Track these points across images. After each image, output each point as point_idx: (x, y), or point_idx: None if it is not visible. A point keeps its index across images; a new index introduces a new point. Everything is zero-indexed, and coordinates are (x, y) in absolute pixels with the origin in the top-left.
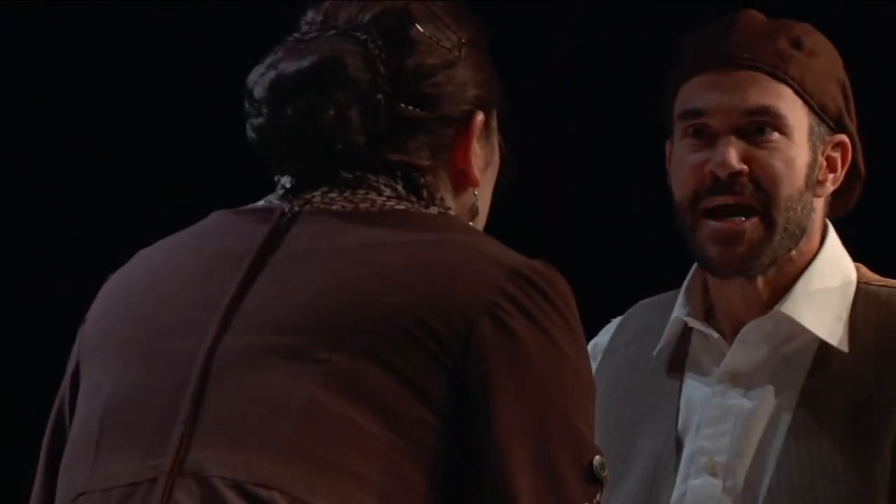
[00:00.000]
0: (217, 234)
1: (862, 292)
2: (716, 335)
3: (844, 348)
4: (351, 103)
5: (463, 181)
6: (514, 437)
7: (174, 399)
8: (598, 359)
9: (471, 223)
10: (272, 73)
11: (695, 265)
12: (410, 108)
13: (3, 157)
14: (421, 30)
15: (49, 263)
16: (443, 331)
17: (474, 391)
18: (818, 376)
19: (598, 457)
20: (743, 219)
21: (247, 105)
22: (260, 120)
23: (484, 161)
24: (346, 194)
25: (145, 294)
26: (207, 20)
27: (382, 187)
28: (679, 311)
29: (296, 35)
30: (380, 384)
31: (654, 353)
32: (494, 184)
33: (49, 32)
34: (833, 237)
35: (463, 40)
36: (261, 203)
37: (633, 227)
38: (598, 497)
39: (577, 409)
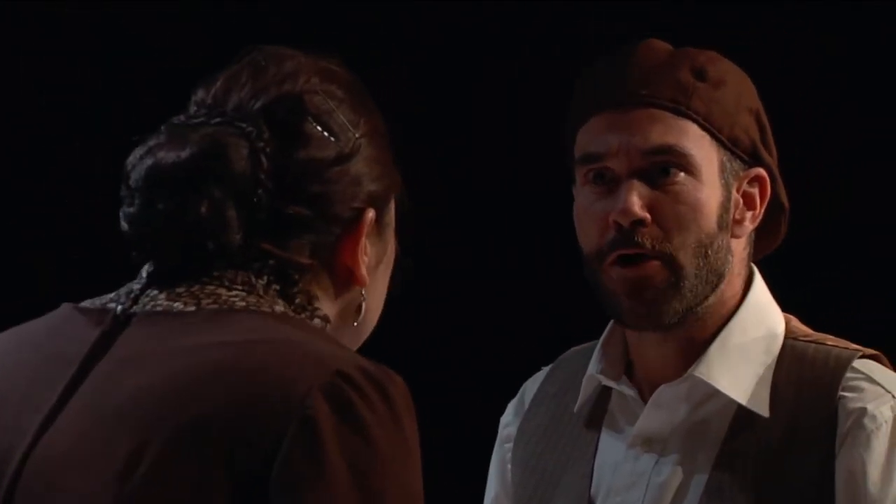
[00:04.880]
0: (55, 334)
1: (788, 348)
2: (632, 393)
3: (764, 412)
4: (228, 200)
5: (349, 280)
6: None
7: None
8: (525, 410)
9: (356, 323)
10: (149, 161)
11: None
12: (294, 206)
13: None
14: (313, 123)
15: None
16: (253, 436)
17: (282, 502)
18: (735, 440)
19: None
20: (650, 262)
21: (122, 189)
22: (131, 210)
23: (375, 259)
24: (194, 289)
25: None
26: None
27: (236, 283)
28: (593, 368)
29: (181, 117)
30: (188, 488)
31: (575, 409)
32: (389, 280)
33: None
34: (758, 284)
35: (358, 135)
36: (111, 296)
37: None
38: None
39: None
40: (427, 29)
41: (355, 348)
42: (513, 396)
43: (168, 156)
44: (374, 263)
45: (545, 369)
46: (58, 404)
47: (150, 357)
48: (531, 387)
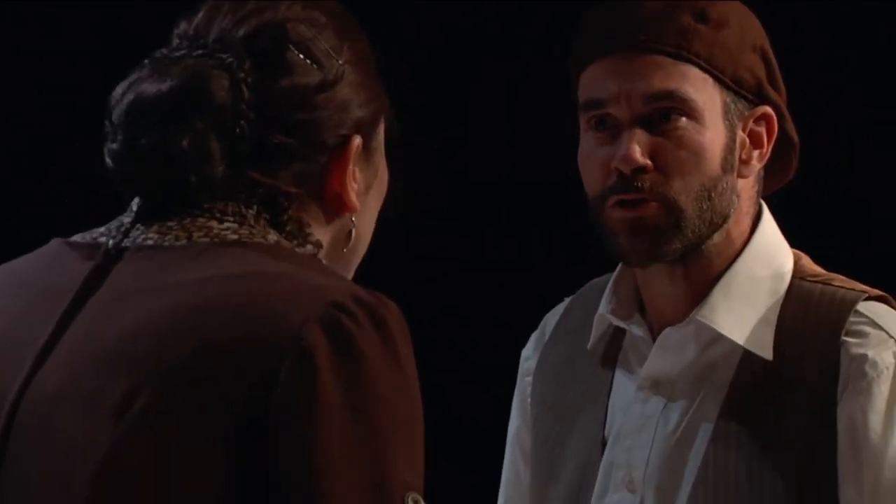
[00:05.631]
0: (46, 268)
1: (795, 289)
2: (641, 333)
3: (768, 355)
4: (210, 132)
5: (338, 207)
6: (319, 484)
7: None
8: (544, 344)
9: (346, 249)
10: (131, 96)
11: None
12: (279, 135)
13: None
14: (295, 51)
15: None
16: (250, 371)
17: (279, 437)
18: (740, 385)
19: (412, 494)
20: (650, 203)
21: (105, 126)
22: (114, 146)
23: (364, 184)
24: (185, 222)
25: None
26: None
27: (227, 215)
28: (603, 307)
29: (164, 51)
30: (184, 427)
31: (588, 346)
32: (382, 204)
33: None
34: (767, 223)
35: (342, 61)
36: (102, 230)
37: None
38: None
39: (389, 447)
40: (427, 29)
41: (349, 274)
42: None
43: (149, 89)
44: (364, 188)
45: (566, 300)
46: (51, 340)
47: (142, 294)
48: (551, 320)
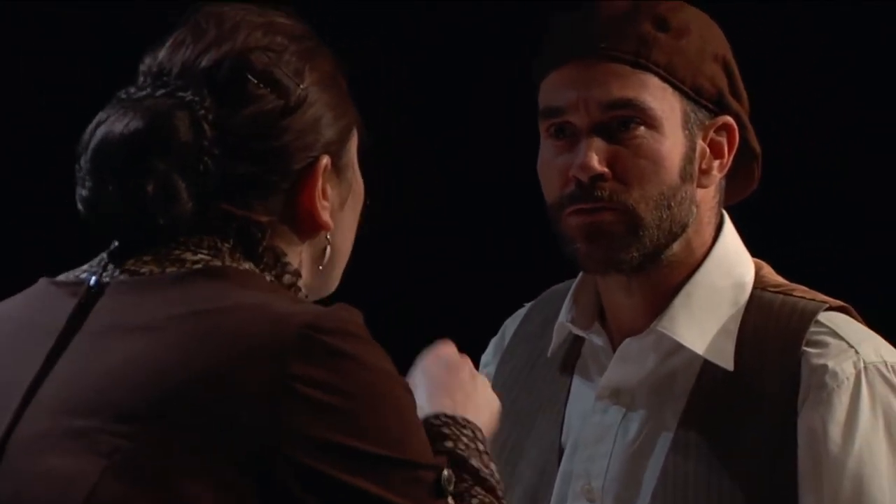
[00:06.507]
0: (33, 308)
1: (756, 299)
2: (601, 343)
3: (728, 366)
4: (174, 172)
5: (311, 226)
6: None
7: None
8: (503, 349)
9: (322, 266)
10: (96, 141)
11: None
12: (245, 166)
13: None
14: (255, 81)
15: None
16: (237, 412)
17: (283, 470)
18: (700, 395)
19: (445, 471)
20: (608, 211)
21: (77, 170)
22: (84, 193)
23: (338, 201)
24: (159, 255)
25: None
26: None
27: (201, 248)
28: (563, 316)
29: (130, 90)
30: (168, 468)
31: (549, 354)
32: (360, 217)
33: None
34: (727, 232)
35: (304, 84)
36: (85, 267)
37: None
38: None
39: (398, 449)
40: (427, 29)
41: (330, 288)
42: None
43: (112, 133)
44: (338, 205)
45: (526, 306)
46: (37, 379)
47: (120, 332)
48: (511, 325)
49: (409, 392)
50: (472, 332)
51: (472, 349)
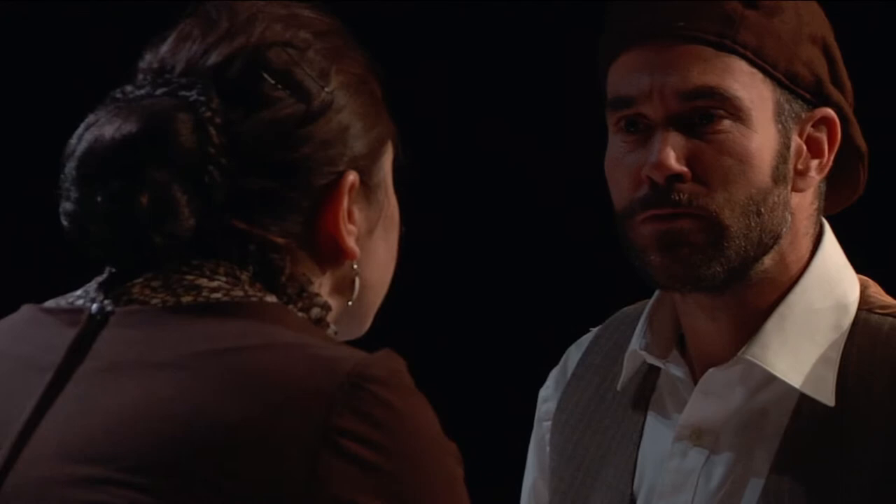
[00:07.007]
0: (23, 339)
1: (861, 323)
2: (680, 374)
3: (829, 401)
4: (174, 183)
5: (335, 254)
6: None
7: None
8: (566, 382)
9: (350, 302)
10: (84, 146)
11: None
12: (258, 180)
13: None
14: (272, 80)
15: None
16: (274, 466)
17: None
18: (796, 434)
19: None
20: (688, 218)
21: (61, 179)
22: (68, 205)
23: (366, 225)
24: (170, 282)
25: None
26: None
27: (217, 273)
28: (636, 343)
29: (126, 88)
30: None
31: (618, 387)
32: (397, 243)
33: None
34: (828, 244)
35: (330, 87)
36: (78, 293)
37: None
38: None
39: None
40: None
41: (360, 331)
42: (522, 391)
43: (103, 138)
44: (366, 231)
45: (593, 332)
46: (33, 418)
47: (131, 369)
48: (574, 354)
49: (460, 463)
50: (530, 363)
51: (530, 383)
